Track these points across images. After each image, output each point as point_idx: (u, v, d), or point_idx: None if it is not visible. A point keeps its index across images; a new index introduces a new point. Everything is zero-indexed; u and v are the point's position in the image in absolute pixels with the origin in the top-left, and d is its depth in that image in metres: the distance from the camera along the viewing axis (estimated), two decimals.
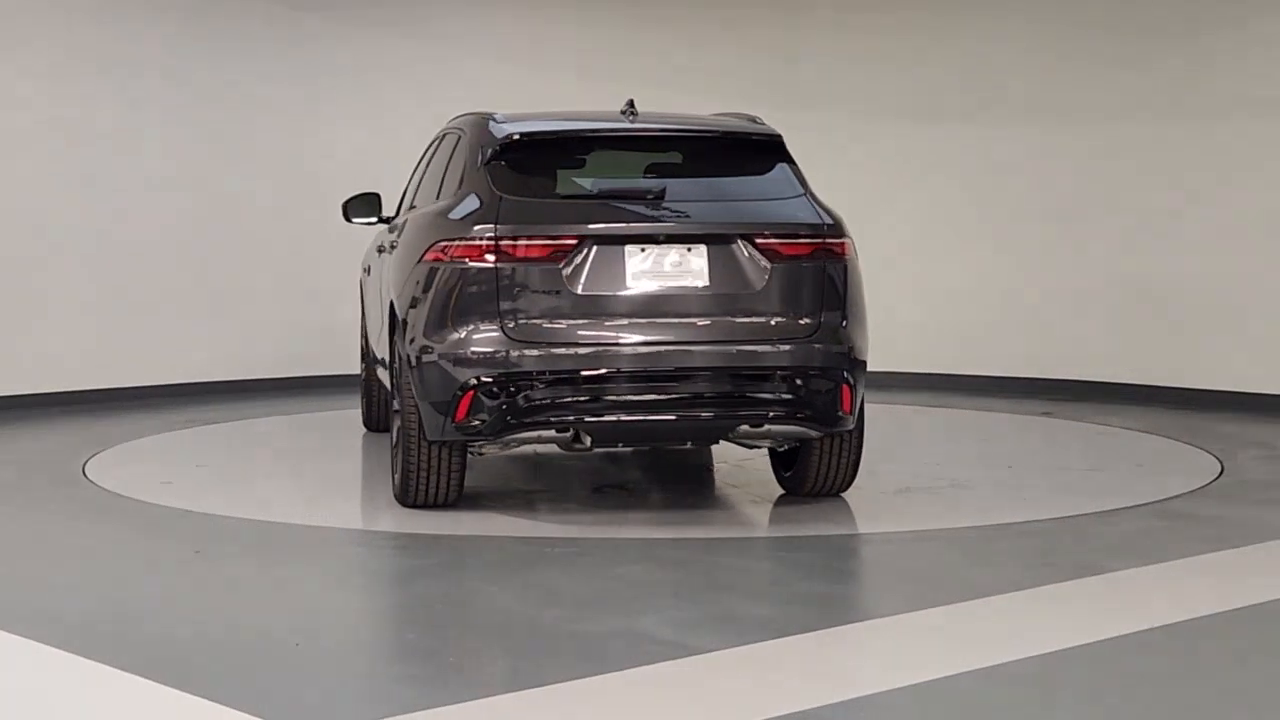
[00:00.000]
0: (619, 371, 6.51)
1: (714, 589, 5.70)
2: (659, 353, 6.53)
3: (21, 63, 10.59)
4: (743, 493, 7.65)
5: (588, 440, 6.63)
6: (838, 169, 12.41)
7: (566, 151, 7.21)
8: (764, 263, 6.66)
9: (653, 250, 6.61)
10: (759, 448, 7.23)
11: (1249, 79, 10.71)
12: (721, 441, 6.92)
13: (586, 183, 7.18)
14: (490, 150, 6.93)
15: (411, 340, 6.72)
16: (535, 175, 6.99)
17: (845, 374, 6.71)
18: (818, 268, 6.74)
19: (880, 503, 7.31)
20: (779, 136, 7.22)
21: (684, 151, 7.43)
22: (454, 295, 6.58)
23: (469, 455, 7.01)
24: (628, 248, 6.59)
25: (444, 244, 6.66)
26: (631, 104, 7.35)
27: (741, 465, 8.25)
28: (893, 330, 12.24)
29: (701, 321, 6.62)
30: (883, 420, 10.39)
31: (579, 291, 6.53)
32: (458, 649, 4.91)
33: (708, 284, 6.62)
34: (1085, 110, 11.47)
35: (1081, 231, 11.55)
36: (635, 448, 7.67)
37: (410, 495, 6.92)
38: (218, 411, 10.53)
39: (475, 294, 6.53)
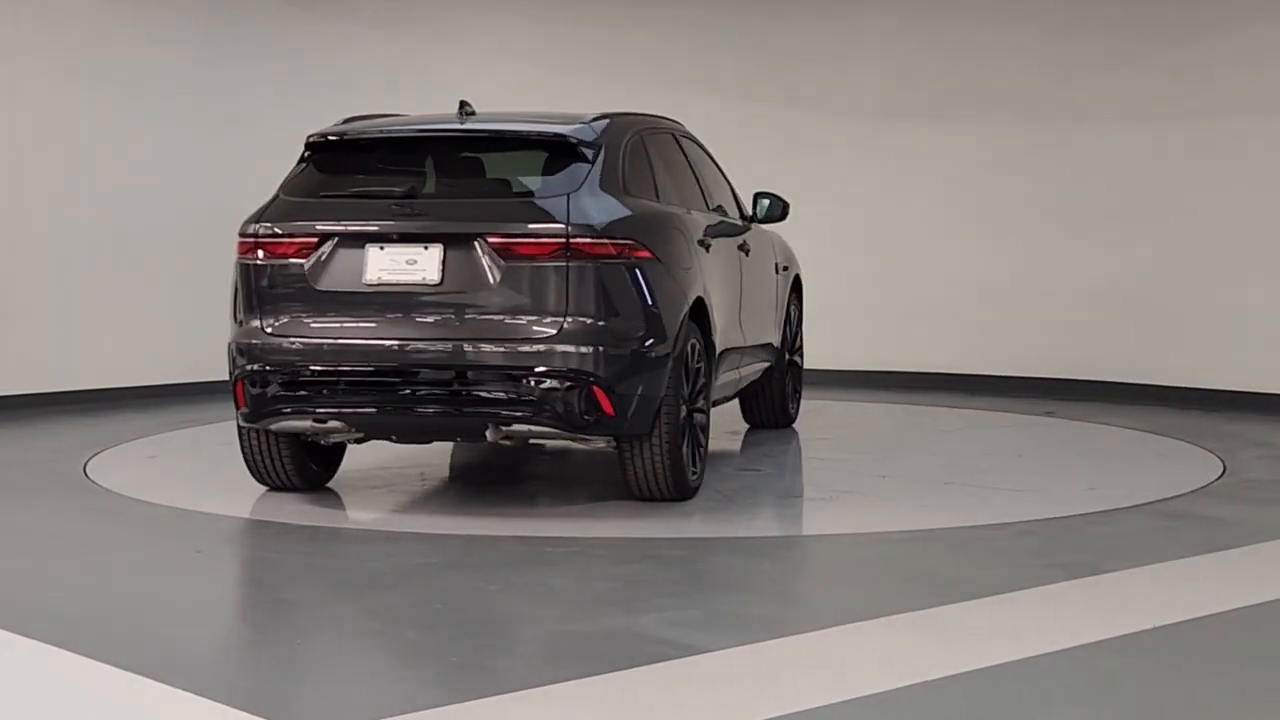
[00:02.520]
0: (349, 366, 6.76)
1: (714, 588, 5.70)
2: (386, 349, 6.73)
3: (21, 64, 10.59)
4: (743, 493, 7.65)
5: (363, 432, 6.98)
6: (839, 168, 12.43)
7: (360, 154, 7.36)
8: (499, 262, 6.66)
9: (391, 249, 6.77)
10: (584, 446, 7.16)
11: (1250, 79, 10.70)
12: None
13: (384, 183, 7.29)
14: (302, 153, 7.34)
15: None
16: (325, 175, 7.24)
17: (597, 377, 6.61)
18: (563, 268, 6.63)
19: (887, 502, 7.31)
20: (566, 136, 7.04)
21: (476, 152, 7.45)
22: (237, 290, 7.12)
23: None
24: (369, 246, 6.79)
25: (237, 241, 7.16)
26: (462, 105, 7.47)
27: (741, 466, 8.26)
28: (895, 330, 12.26)
29: (433, 319, 6.73)
30: (888, 420, 10.39)
31: (320, 288, 6.84)
32: (458, 648, 4.90)
33: (439, 282, 6.69)
34: (1086, 110, 11.46)
35: (1083, 231, 11.54)
36: (412, 442, 7.67)
37: (255, 476, 7.40)
38: (219, 411, 10.52)
39: (247, 289, 7.04)
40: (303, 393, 6.82)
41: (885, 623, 5.19)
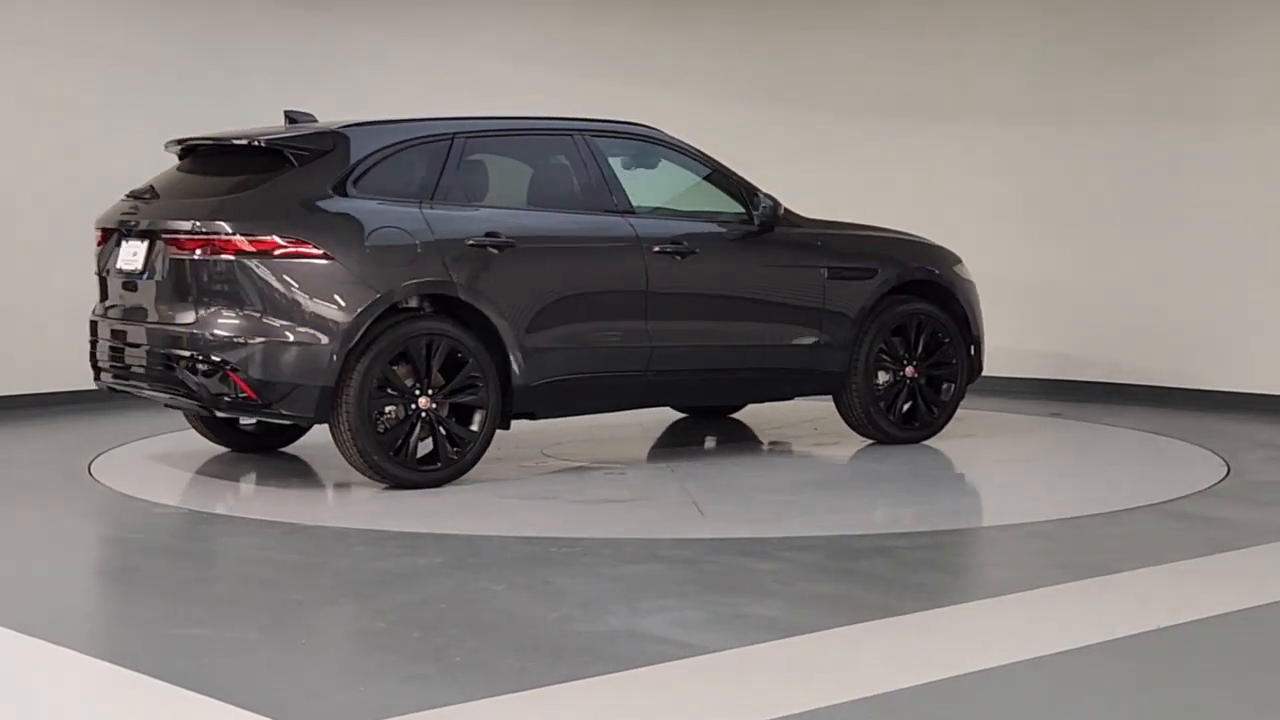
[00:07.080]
0: (102, 341, 8.02)
1: (719, 589, 5.70)
2: (115, 329, 7.91)
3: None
4: (742, 492, 7.64)
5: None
6: (842, 168, 12.42)
7: (181, 157, 8.25)
8: (167, 256, 7.56)
9: (129, 242, 7.83)
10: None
11: (1252, 80, 10.70)
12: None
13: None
14: None
15: None
16: (156, 177, 8.21)
17: (231, 363, 7.27)
18: (204, 263, 7.43)
19: (889, 502, 7.30)
20: (277, 143, 7.63)
21: (227, 158, 8.01)
22: None
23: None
24: (121, 239, 7.91)
25: None
26: (288, 115, 8.18)
27: (742, 462, 8.22)
28: None
29: (136, 305, 7.81)
30: None
31: (103, 273, 8.10)
32: (462, 648, 4.90)
33: (142, 272, 7.72)
34: (1088, 110, 11.45)
35: (1088, 232, 11.53)
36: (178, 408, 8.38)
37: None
38: None
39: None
40: (100, 361, 8.08)
41: (890, 624, 5.19)
